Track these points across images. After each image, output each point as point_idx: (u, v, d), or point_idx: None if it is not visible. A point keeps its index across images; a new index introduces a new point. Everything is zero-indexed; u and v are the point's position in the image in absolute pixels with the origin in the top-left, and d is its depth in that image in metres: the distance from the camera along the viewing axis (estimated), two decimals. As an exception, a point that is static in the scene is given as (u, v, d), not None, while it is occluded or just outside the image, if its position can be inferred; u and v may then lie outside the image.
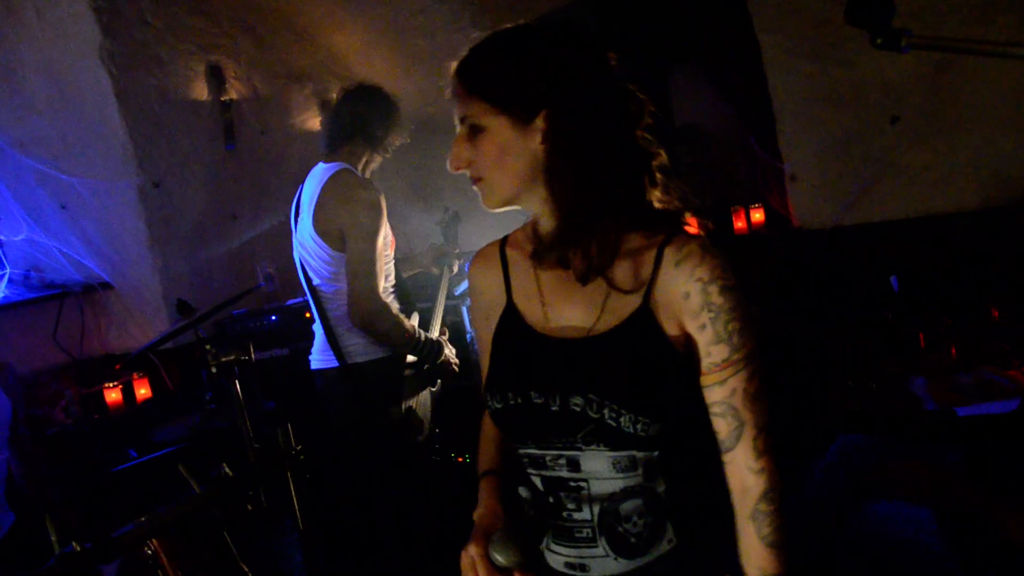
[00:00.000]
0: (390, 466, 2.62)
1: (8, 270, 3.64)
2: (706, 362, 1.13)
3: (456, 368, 2.80)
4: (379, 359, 2.54)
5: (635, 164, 1.15)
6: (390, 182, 2.73)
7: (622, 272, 1.14)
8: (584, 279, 1.14)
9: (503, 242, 1.32)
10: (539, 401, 1.14)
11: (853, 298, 3.43)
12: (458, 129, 1.17)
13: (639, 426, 1.07)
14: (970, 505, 1.71)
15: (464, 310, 3.45)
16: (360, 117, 2.57)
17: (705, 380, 1.13)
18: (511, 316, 1.23)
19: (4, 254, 3.65)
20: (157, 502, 1.78)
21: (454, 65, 1.16)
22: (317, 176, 2.56)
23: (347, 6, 4.09)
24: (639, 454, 1.12)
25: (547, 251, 1.18)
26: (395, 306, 2.54)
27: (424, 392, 2.71)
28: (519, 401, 1.16)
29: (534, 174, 1.14)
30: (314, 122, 4.36)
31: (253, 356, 2.00)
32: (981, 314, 2.72)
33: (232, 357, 2.00)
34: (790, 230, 3.85)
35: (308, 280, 2.60)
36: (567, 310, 1.18)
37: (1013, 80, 3.01)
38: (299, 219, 2.61)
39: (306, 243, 2.57)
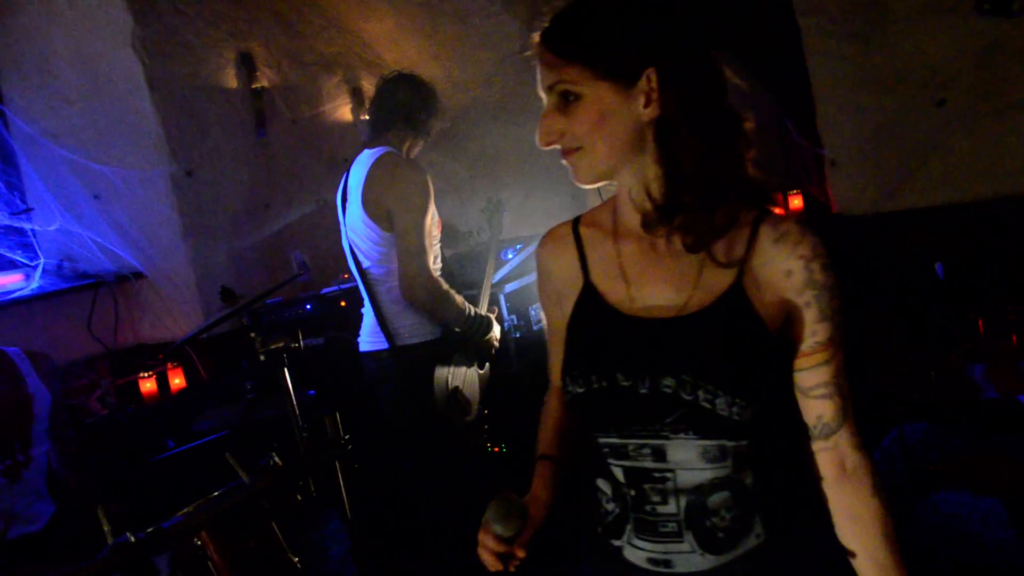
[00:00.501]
0: (434, 449, 2.61)
1: (42, 260, 3.63)
2: (810, 341, 1.08)
3: (496, 345, 2.78)
4: (429, 342, 2.56)
5: (735, 125, 1.08)
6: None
7: (719, 247, 1.08)
8: (696, 249, 1.08)
9: (575, 222, 1.26)
10: (626, 384, 1.08)
11: (895, 285, 3.36)
12: (545, 100, 1.11)
13: (735, 408, 1.02)
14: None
15: (502, 297, 3.41)
16: (402, 103, 2.61)
17: (808, 361, 1.09)
18: (590, 296, 1.17)
19: (38, 244, 3.64)
20: (197, 493, 1.75)
21: (537, 35, 1.09)
22: (363, 161, 2.58)
23: (377, -8, 4.06)
24: (729, 443, 1.07)
25: (666, 216, 1.08)
26: (445, 284, 2.54)
27: (472, 373, 2.71)
28: (604, 384, 1.10)
29: (636, 141, 1.07)
30: (344, 110, 4.34)
31: (302, 343, 1.97)
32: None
33: (280, 344, 1.97)
34: (829, 216, 3.78)
35: (358, 264, 2.62)
36: (654, 289, 1.12)
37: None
38: (347, 204, 2.63)
39: (356, 227, 2.58)
